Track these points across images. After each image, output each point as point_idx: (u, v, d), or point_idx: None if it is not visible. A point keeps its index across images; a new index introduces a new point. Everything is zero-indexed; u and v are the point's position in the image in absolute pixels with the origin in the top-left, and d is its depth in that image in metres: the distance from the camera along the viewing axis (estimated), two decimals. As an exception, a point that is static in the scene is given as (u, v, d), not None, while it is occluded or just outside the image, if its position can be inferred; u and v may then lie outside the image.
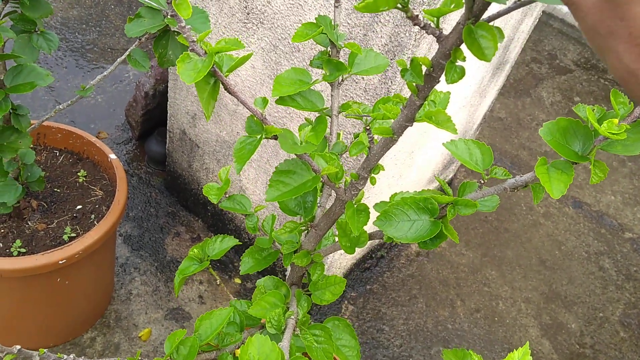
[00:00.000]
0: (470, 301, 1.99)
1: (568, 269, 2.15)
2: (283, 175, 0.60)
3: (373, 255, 2.05)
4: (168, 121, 1.83)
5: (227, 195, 0.80)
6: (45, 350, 0.57)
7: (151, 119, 2.02)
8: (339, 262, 1.79)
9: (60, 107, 1.09)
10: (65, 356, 0.60)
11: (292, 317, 0.70)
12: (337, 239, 0.80)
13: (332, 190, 0.71)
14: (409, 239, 0.63)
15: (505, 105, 2.85)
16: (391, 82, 1.21)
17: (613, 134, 0.58)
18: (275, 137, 0.59)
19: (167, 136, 1.88)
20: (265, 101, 0.58)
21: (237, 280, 1.87)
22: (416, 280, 2.03)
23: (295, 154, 0.60)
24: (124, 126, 2.20)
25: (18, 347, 0.56)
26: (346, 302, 1.91)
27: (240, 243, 0.93)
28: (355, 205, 0.65)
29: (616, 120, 0.59)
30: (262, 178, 1.64)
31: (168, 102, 1.78)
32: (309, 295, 0.78)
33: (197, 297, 1.80)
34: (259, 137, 0.58)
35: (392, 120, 0.55)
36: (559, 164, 0.62)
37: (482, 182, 0.65)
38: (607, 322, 2.01)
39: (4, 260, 1.26)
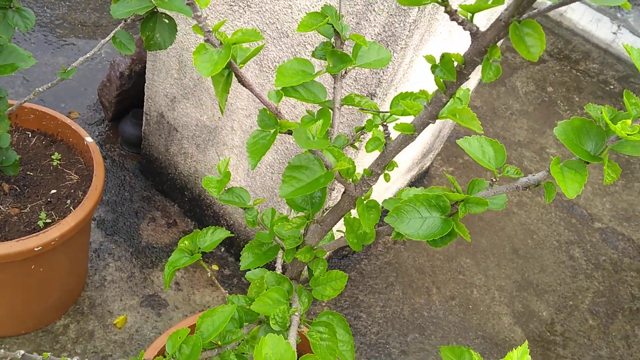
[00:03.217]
0: (445, 289, 2.02)
1: (540, 257, 2.20)
2: (295, 171, 0.58)
3: (350, 243, 2.05)
4: (145, 103, 1.77)
5: (226, 189, 0.78)
6: (49, 354, 0.55)
7: (126, 99, 1.95)
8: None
9: (40, 89, 1.04)
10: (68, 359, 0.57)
11: (297, 313, 0.68)
12: (336, 235, 0.79)
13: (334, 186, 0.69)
14: (420, 237, 0.62)
15: (480, 94, 2.87)
16: (382, 72, 1.19)
17: (628, 134, 0.58)
18: (290, 132, 0.57)
19: (144, 119, 1.83)
20: (279, 95, 0.56)
21: (215, 267, 1.84)
22: (393, 267, 2.04)
23: (309, 150, 0.58)
24: (96, 106, 2.13)
25: (22, 352, 0.53)
26: (324, 289, 1.90)
27: (232, 235, 0.91)
28: (365, 202, 0.64)
29: (629, 121, 0.59)
30: (243, 165, 1.61)
31: (145, 84, 1.73)
32: (310, 290, 0.77)
33: (174, 283, 1.76)
34: (272, 131, 0.56)
35: (413, 117, 0.54)
36: (573, 163, 0.62)
37: (494, 180, 0.65)
38: (576, 310, 2.06)
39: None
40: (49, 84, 1.04)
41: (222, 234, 0.88)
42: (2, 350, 0.54)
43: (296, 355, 0.58)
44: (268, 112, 0.56)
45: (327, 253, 1.89)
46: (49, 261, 1.36)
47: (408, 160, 1.89)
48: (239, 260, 2.00)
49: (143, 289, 1.73)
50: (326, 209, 0.73)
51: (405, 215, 0.63)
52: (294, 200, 0.65)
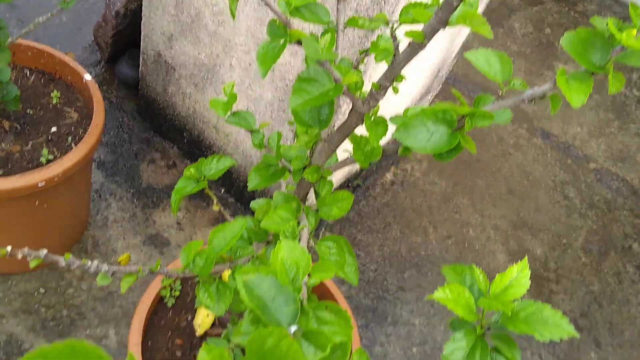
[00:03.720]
0: (442, 228, 2.05)
1: (535, 197, 2.23)
2: (305, 83, 0.59)
3: (349, 184, 2.06)
4: (142, 42, 1.75)
5: (232, 112, 0.79)
6: (70, 255, 0.56)
7: (122, 39, 1.93)
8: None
9: (40, 19, 1.03)
10: (89, 262, 0.59)
11: (305, 229, 0.70)
12: (343, 156, 0.80)
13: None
14: (427, 150, 0.63)
15: (477, 35, 2.85)
16: (384, 2, 1.18)
17: (631, 43, 0.58)
18: (299, 42, 0.57)
19: (141, 58, 1.81)
20: (289, 4, 0.56)
21: (216, 207, 1.85)
22: (391, 208, 2.07)
23: (317, 61, 0.59)
24: (92, 47, 2.10)
25: (45, 251, 0.54)
26: (323, 229, 1.94)
27: (237, 163, 0.92)
28: (372, 118, 0.65)
29: (634, 31, 0.59)
30: (242, 102, 1.61)
31: (142, 22, 1.70)
32: (316, 211, 0.78)
33: (176, 223, 1.79)
34: (282, 41, 0.56)
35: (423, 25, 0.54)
36: (578, 74, 0.62)
37: (500, 94, 0.66)
38: (570, 248, 2.11)
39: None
40: (48, 14, 1.03)
41: (227, 162, 0.89)
42: (26, 249, 0.55)
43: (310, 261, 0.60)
44: (278, 22, 0.57)
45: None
46: (53, 198, 1.37)
47: (407, 101, 1.89)
48: (240, 202, 2.02)
49: (145, 229, 1.75)
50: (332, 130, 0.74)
51: (413, 129, 0.64)
52: (302, 116, 0.66)
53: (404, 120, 0.63)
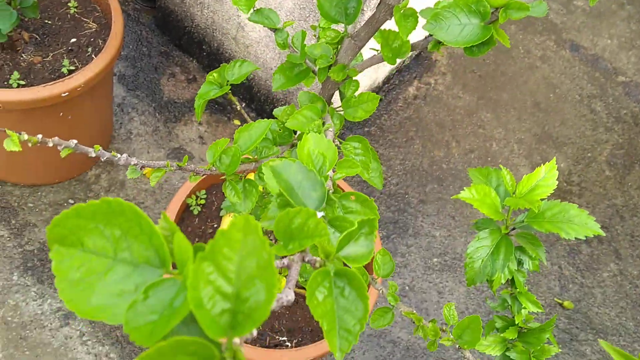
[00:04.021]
0: (465, 142, 2.03)
1: (561, 111, 2.18)
2: (332, -28, 0.57)
3: (370, 98, 2.04)
4: (157, -50, 1.69)
5: (255, 9, 0.76)
6: (100, 147, 0.57)
7: (136, -52, 1.87)
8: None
9: None
10: (118, 155, 0.60)
11: (331, 129, 0.70)
12: (368, 54, 0.78)
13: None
14: (459, 43, 0.61)
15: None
16: None
17: None
18: None
19: (157, -33, 1.75)
20: None
21: (236, 122, 1.86)
22: (413, 122, 2.05)
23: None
24: (105, -42, 2.04)
25: (75, 141, 0.55)
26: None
27: (260, 69, 0.91)
28: (402, 11, 0.63)
29: None
30: (262, 12, 1.56)
31: None
32: (341, 113, 0.77)
33: (198, 137, 1.80)
34: None
35: None
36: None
37: (536, -15, 0.62)
38: (594, 161, 2.08)
39: (5, 91, 1.22)
40: None
41: (250, 67, 0.88)
42: (56, 138, 0.56)
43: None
44: None
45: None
46: (76, 109, 1.37)
47: None
48: (261, 116, 2.02)
49: (168, 142, 1.76)
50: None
51: (444, 21, 0.61)
52: (327, 10, 0.64)
53: (435, 12, 0.61)
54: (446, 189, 1.91)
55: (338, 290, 0.36)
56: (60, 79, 1.26)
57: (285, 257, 0.40)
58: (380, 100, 2.07)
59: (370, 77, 1.87)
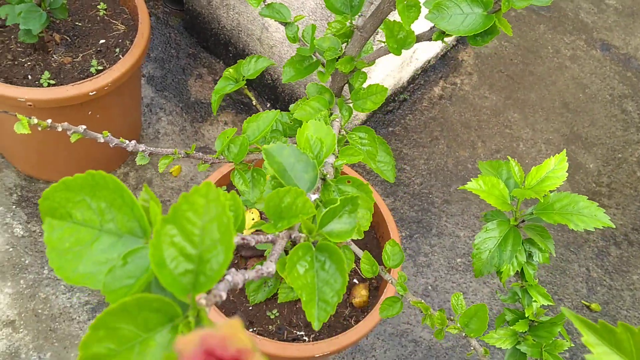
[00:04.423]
0: (491, 142, 2.02)
1: (591, 111, 2.14)
2: (333, -37, 0.58)
3: (395, 98, 2.04)
4: (184, -46, 1.74)
5: (266, 3, 0.78)
6: (108, 133, 0.59)
7: (165, -47, 1.91)
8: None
9: None
10: (127, 141, 0.62)
11: (337, 119, 0.71)
12: (375, 46, 0.79)
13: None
14: (461, 32, 0.61)
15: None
16: None
17: None
18: None
19: (184, -29, 1.80)
20: None
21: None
22: (438, 122, 2.04)
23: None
24: (136, -37, 2.10)
25: (83, 126, 0.57)
26: (369, 142, 1.94)
27: (275, 63, 0.92)
28: (405, 1, 0.63)
29: None
30: (285, 13, 1.59)
31: None
32: (350, 104, 0.78)
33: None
34: None
35: None
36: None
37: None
38: (625, 162, 2.04)
39: (36, 90, 1.27)
40: None
41: (265, 62, 0.90)
42: (65, 123, 0.59)
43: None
44: None
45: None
46: (104, 108, 1.42)
47: None
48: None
49: (195, 141, 1.80)
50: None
51: (447, 11, 0.62)
52: (332, 3, 0.65)
53: (437, 2, 0.62)
54: (471, 189, 1.90)
55: (319, 264, 0.37)
56: (89, 78, 1.31)
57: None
58: (405, 100, 2.07)
59: (394, 77, 1.87)
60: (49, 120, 0.56)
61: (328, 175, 0.53)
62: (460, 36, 2.26)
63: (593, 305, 1.76)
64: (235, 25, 1.79)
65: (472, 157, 1.98)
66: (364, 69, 0.76)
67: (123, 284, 0.30)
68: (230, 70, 0.93)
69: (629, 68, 2.28)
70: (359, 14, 0.70)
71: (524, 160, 1.99)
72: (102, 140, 0.61)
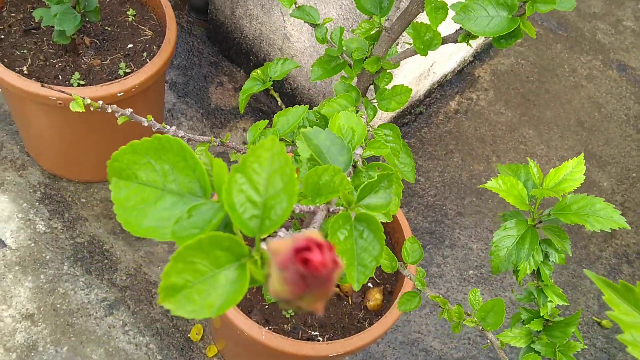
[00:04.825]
0: (505, 157, 2.04)
1: (606, 130, 2.16)
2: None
3: (412, 111, 2.07)
4: (211, -36, 1.79)
5: (296, 5, 0.82)
6: (152, 117, 0.62)
7: (192, -36, 1.97)
8: (378, 116, 1.81)
9: None
10: (167, 127, 0.65)
11: (363, 117, 0.74)
12: (399, 48, 0.82)
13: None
14: (487, 33, 0.64)
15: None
16: None
17: None
18: None
19: (210, -19, 1.85)
20: None
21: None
22: (453, 136, 2.06)
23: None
24: (163, -26, 2.16)
25: (130, 110, 0.61)
26: (384, 153, 1.96)
27: (299, 66, 0.96)
28: (433, 3, 0.67)
29: None
30: (307, 25, 1.63)
31: (211, -57, 1.73)
32: (375, 104, 0.81)
33: (242, 143, 1.86)
34: None
35: None
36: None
37: (562, -20, 0.65)
38: (639, 182, 2.05)
39: (66, 90, 1.31)
40: None
41: (291, 64, 0.93)
42: (114, 105, 0.62)
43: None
44: None
45: (387, 119, 1.92)
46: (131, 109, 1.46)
47: None
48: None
49: (215, 147, 1.83)
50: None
51: (473, 13, 0.65)
52: (362, 4, 0.68)
53: (464, 4, 0.65)
54: (485, 203, 1.92)
55: (357, 233, 0.40)
56: (117, 80, 1.35)
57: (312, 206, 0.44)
58: (421, 113, 2.10)
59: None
60: (100, 102, 0.60)
61: (359, 162, 0.56)
62: (477, 53, 2.26)
63: (604, 322, 1.77)
64: (257, 35, 1.83)
65: (486, 171, 2.00)
66: (389, 70, 0.79)
67: (189, 232, 0.33)
68: (258, 71, 0.97)
69: (645, 89, 2.30)
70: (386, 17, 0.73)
71: (538, 176, 2.01)
72: (145, 124, 0.65)
